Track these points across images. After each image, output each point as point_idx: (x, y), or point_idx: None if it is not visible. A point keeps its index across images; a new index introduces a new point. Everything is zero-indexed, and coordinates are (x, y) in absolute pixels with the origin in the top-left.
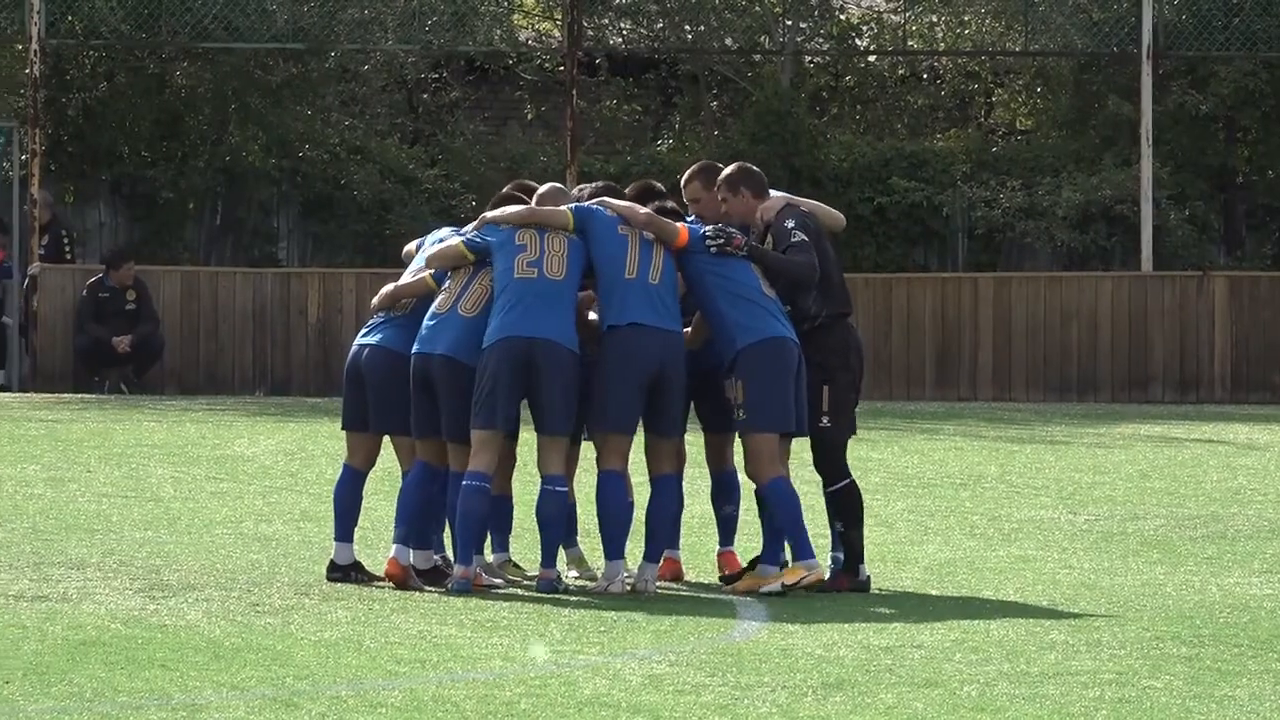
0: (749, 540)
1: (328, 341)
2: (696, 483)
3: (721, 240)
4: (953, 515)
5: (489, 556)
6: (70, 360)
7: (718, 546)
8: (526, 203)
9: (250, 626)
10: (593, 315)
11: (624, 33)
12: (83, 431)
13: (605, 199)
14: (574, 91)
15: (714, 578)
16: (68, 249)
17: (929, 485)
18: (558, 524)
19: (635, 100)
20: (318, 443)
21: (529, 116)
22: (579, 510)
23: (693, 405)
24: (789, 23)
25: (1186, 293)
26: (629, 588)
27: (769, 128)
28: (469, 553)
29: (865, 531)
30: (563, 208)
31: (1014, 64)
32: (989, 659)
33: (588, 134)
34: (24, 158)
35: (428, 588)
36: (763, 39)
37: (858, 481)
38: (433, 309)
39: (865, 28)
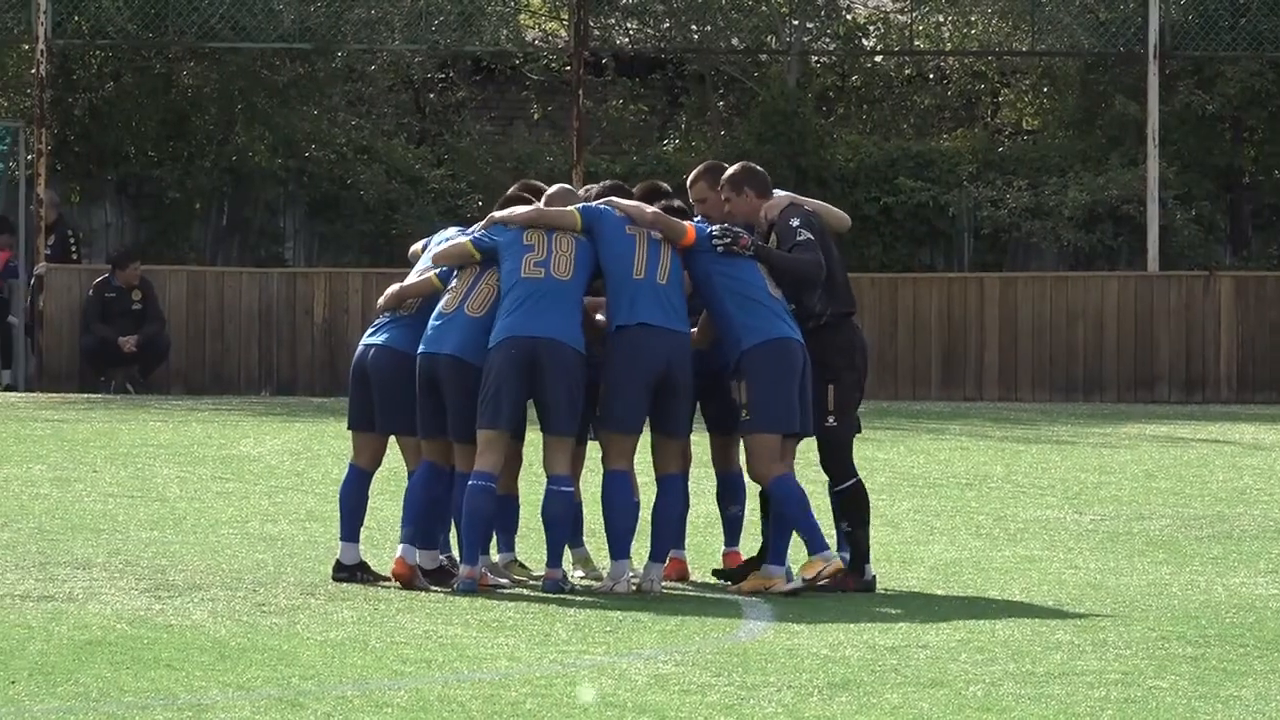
0: (753, 541)
1: (334, 341)
2: (702, 483)
3: (728, 239)
4: (958, 515)
5: (495, 556)
6: (76, 360)
7: (723, 547)
8: (534, 203)
9: (256, 626)
10: (600, 317)
11: (630, 33)
12: (88, 431)
13: (613, 199)
14: (580, 91)
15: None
16: (74, 249)
17: (935, 485)
18: (563, 524)
19: (641, 100)
20: (323, 443)
21: (535, 116)
22: (585, 510)
23: (699, 406)
24: (795, 23)
25: (1192, 293)
26: (635, 588)
27: (775, 128)
28: (475, 553)
29: (871, 531)
30: (570, 208)
31: (1020, 64)
32: (994, 659)
33: (594, 134)
34: (30, 157)
35: (434, 588)
36: (769, 39)
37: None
38: (439, 309)
39: (872, 28)
